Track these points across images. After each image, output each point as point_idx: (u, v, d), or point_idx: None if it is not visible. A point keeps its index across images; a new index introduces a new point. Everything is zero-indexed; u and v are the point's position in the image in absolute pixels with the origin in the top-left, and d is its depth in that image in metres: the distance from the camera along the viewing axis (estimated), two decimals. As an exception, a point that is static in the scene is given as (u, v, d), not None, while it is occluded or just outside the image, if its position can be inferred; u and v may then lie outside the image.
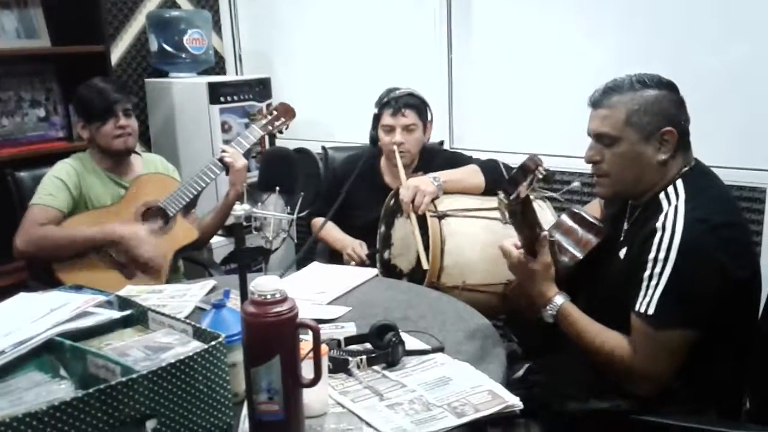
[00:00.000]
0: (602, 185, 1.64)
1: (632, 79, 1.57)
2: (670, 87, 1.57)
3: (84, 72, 2.96)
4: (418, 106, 2.51)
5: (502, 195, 1.46)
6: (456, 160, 2.54)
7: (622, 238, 1.68)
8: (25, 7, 3.03)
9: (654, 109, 1.53)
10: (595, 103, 1.61)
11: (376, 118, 2.52)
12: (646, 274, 1.46)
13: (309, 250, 2.61)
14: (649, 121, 1.53)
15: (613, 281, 1.62)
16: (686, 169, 1.56)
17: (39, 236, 2.28)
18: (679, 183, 1.54)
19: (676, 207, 1.49)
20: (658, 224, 1.47)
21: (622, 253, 1.61)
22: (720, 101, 2.43)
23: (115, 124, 2.39)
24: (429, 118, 2.55)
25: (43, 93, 3.15)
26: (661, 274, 1.44)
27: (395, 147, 2.45)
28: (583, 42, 2.78)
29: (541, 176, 1.42)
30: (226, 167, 2.49)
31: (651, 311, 1.44)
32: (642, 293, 1.47)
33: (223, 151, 2.50)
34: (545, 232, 1.54)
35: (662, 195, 1.54)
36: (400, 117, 2.46)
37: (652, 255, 1.46)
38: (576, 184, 1.85)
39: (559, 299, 1.55)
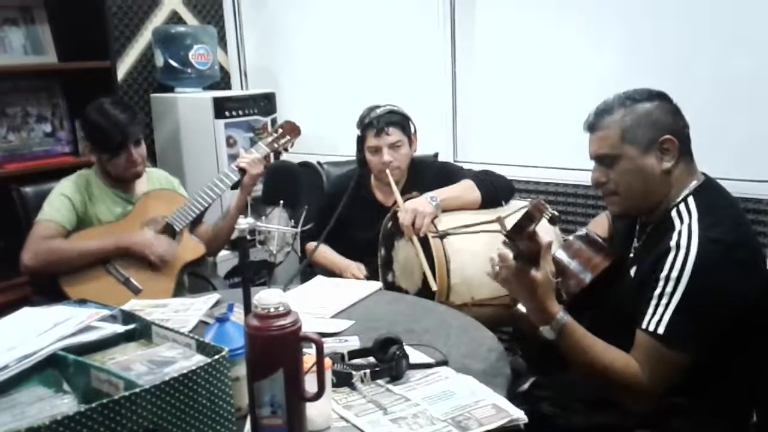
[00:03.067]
0: (613, 203, 1.64)
1: (621, 97, 1.58)
2: (661, 97, 1.57)
3: (90, 87, 2.99)
4: (401, 122, 2.47)
5: (507, 240, 1.46)
6: (446, 172, 2.52)
7: (632, 256, 1.67)
8: (33, 24, 3.07)
9: (647, 121, 1.54)
10: (590, 127, 1.62)
11: (360, 140, 2.51)
12: (657, 292, 1.45)
13: (307, 269, 2.61)
14: (644, 133, 1.53)
15: (623, 300, 1.61)
16: (695, 184, 1.55)
17: (46, 250, 2.28)
18: (691, 200, 1.53)
19: (689, 225, 1.48)
20: (672, 243, 1.46)
21: (633, 271, 1.61)
22: (725, 112, 2.43)
23: (128, 158, 2.39)
24: (413, 131, 2.53)
25: (49, 108, 3.18)
26: (672, 293, 1.43)
27: (381, 168, 2.44)
28: (587, 55, 2.78)
29: (547, 218, 1.42)
30: (243, 173, 2.51)
31: (661, 330, 1.43)
32: (651, 311, 1.45)
33: (243, 156, 2.52)
34: (548, 240, 1.52)
35: (674, 213, 1.53)
36: (384, 136, 2.43)
37: (664, 273, 1.45)
38: (581, 232, 1.86)
39: (564, 315, 1.51)
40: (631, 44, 2.67)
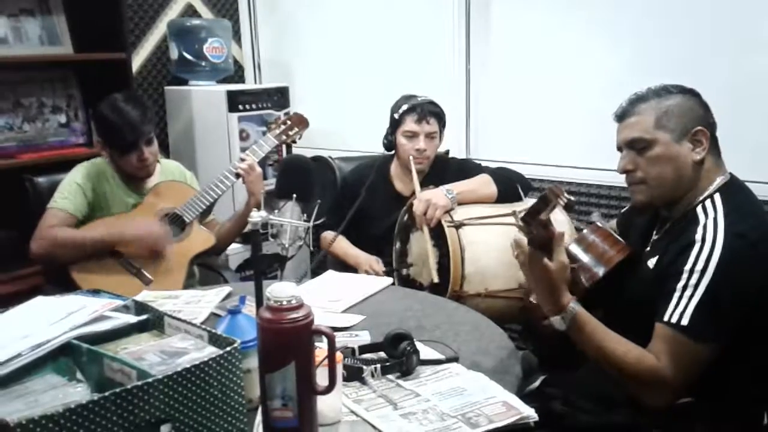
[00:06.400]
0: (640, 192, 1.62)
1: (656, 88, 1.59)
2: (693, 93, 1.59)
3: (105, 79, 3.01)
4: (440, 114, 2.54)
5: (522, 224, 1.45)
6: (466, 168, 2.56)
7: (649, 248, 1.66)
8: (49, 15, 3.08)
9: (681, 111, 1.55)
10: (623, 114, 1.61)
11: (396, 124, 2.52)
12: (680, 284, 1.45)
13: (321, 261, 2.61)
14: (678, 122, 1.54)
15: (640, 292, 1.60)
16: (722, 179, 1.55)
17: (51, 238, 2.29)
18: (717, 196, 1.53)
19: (715, 219, 1.48)
20: (697, 236, 1.46)
21: (651, 262, 1.60)
22: (742, 113, 2.40)
23: (139, 157, 2.39)
24: (444, 125, 2.58)
25: (64, 99, 3.19)
26: (696, 285, 1.43)
27: (414, 154, 2.46)
28: (601, 53, 2.77)
29: (562, 204, 1.41)
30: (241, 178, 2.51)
31: (685, 322, 1.42)
32: (673, 303, 1.45)
33: (242, 159, 2.52)
34: (561, 230, 1.50)
35: (699, 208, 1.53)
36: (424, 124, 2.48)
37: (688, 266, 1.44)
38: (596, 214, 1.84)
39: (575, 306, 1.51)
40: (646, 43, 2.64)
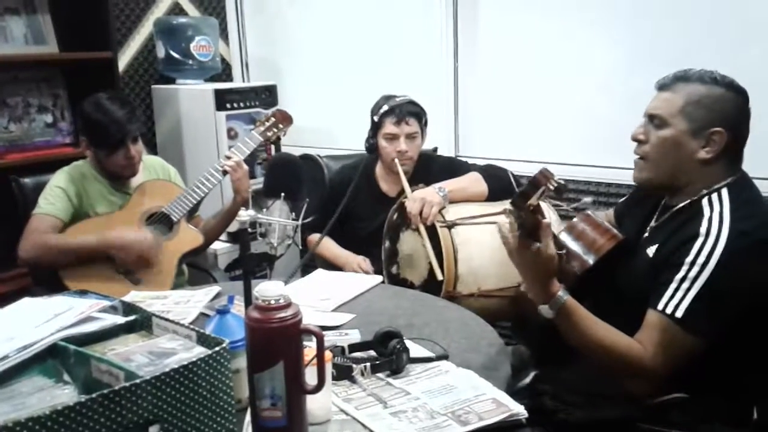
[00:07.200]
0: (639, 168, 1.62)
1: (706, 73, 1.56)
2: (740, 94, 1.55)
3: (92, 78, 2.99)
4: (419, 113, 2.52)
5: (511, 208, 1.44)
6: (453, 165, 2.55)
7: (647, 235, 1.66)
8: (34, 13, 3.06)
9: (712, 106, 1.51)
10: (662, 86, 1.60)
11: (377, 126, 2.52)
12: (679, 275, 1.45)
13: (310, 261, 2.60)
14: (702, 115, 1.51)
15: (632, 281, 1.60)
16: (732, 178, 1.54)
17: (40, 244, 2.28)
18: (724, 191, 1.52)
19: (720, 214, 1.48)
20: (702, 229, 1.46)
21: (651, 250, 1.58)
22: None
23: (125, 155, 2.37)
24: (425, 124, 2.56)
25: (50, 99, 3.17)
26: (695, 278, 1.43)
27: (396, 156, 2.45)
28: (590, 50, 2.77)
29: (552, 188, 1.40)
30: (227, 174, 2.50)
31: (679, 314, 1.43)
32: (669, 293, 1.45)
33: (228, 157, 2.51)
34: (547, 220, 1.48)
35: (705, 200, 1.53)
36: (404, 126, 2.46)
37: (689, 258, 1.44)
38: (587, 199, 1.83)
39: (564, 295, 1.50)
40: (636, 40, 2.64)
